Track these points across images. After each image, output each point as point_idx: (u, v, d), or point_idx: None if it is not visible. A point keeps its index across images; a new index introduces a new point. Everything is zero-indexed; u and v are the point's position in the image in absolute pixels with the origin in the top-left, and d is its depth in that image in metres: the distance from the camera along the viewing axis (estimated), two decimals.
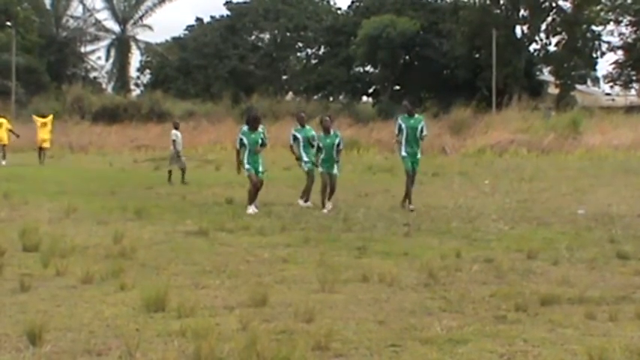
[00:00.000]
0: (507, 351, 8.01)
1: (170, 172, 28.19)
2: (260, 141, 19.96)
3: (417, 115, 21.13)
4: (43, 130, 39.16)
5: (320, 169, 20.43)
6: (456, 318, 9.32)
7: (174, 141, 28.71)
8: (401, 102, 67.53)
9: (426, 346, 8.17)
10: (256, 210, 19.46)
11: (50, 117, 41.00)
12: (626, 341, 8.33)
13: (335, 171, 20.38)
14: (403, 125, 20.62)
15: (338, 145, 20.38)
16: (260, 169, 19.96)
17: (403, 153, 20.73)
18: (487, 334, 8.60)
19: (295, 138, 21.88)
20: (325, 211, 19.65)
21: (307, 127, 22.27)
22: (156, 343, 8.18)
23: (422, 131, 20.68)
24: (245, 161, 19.87)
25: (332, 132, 20.55)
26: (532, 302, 9.95)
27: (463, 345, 8.19)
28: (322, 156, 20.29)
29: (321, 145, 20.36)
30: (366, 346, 8.14)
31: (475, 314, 9.54)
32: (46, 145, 39.43)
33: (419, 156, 20.86)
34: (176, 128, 29.16)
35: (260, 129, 20.18)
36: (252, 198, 19.70)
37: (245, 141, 19.83)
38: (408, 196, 20.52)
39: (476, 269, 12.32)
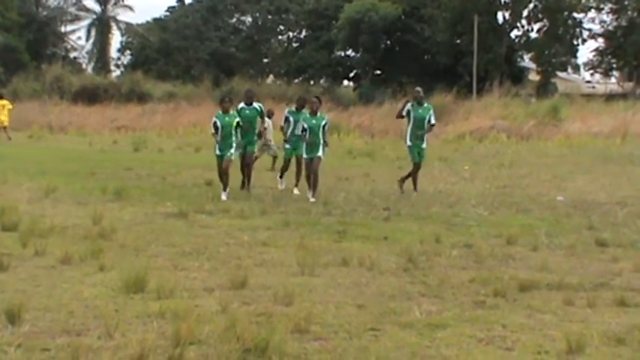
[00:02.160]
0: (486, 336, 8.06)
1: (256, 157, 27.46)
2: (235, 123, 19.21)
3: (426, 104, 20.74)
4: (3, 112, 40.58)
5: (304, 156, 19.41)
6: (435, 303, 9.36)
7: (265, 129, 28.03)
8: (381, 87, 67.50)
9: (405, 330, 8.21)
10: (225, 198, 18.73)
11: (7, 102, 42.25)
12: (603, 327, 8.39)
13: (320, 153, 19.20)
14: (412, 114, 20.28)
15: (324, 127, 19.36)
16: (232, 151, 19.28)
17: (408, 142, 20.44)
18: (466, 319, 8.64)
19: (287, 119, 21.03)
20: (308, 196, 18.92)
21: (305, 111, 20.82)
22: (135, 324, 8.19)
23: (430, 121, 20.35)
24: (216, 145, 19.35)
25: (319, 114, 19.56)
26: (511, 288, 10.01)
27: (442, 330, 8.23)
28: (307, 139, 19.23)
29: (306, 126, 19.28)
30: (345, 330, 8.16)
31: (454, 299, 9.59)
32: (6, 124, 40.83)
33: (424, 146, 20.53)
34: (269, 117, 28.55)
35: (232, 112, 19.58)
36: (223, 183, 19.08)
37: (218, 124, 19.23)
38: (415, 183, 20.47)
39: (455, 254, 12.37)
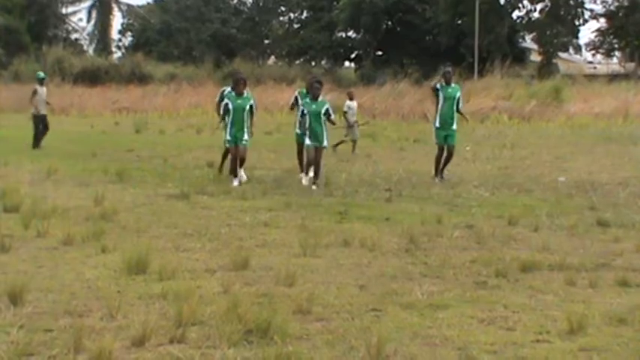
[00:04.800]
0: (487, 316, 8.07)
1: (341, 142, 26.97)
2: (248, 107, 18.09)
3: (454, 84, 19.87)
4: None
5: (307, 142, 18.03)
6: (436, 283, 9.37)
7: (345, 112, 27.61)
8: (383, 68, 67.29)
9: (407, 310, 8.22)
10: (244, 178, 18.24)
11: None
12: (605, 307, 8.40)
13: (325, 143, 18.12)
14: (441, 93, 19.37)
15: (326, 112, 18.02)
16: (245, 137, 18.09)
17: (437, 124, 19.52)
18: (467, 300, 8.66)
19: (296, 100, 19.59)
20: (305, 182, 18.20)
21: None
22: (137, 306, 8.20)
23: (458, 102, 19.44)
24: (227, 131, 18.23)
25: (320, 99, 18.27)
26: (512, 268, 10.03)
27: (443, 310, 8.24)
28: (307, 125, 18.00)
29: (305, 111, 18.09)
30: (347, 311, 8.18)
31: (456, 280, 9.60)
32: None
33: (454, 127, 19.53)
34: (351, 99, 28.19)
35: (246, 94, 18.35)
36: (233, 169, 18.16)
37: (230, 106, 18.03)
38: (437, 169, 19.50)
39: (457, 235, 12.39)
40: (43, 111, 26.76)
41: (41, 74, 28.24)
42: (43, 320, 7.69)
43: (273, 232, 12.54)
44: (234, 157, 18.07)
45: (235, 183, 17.79)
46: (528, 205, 15.43)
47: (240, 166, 18.33)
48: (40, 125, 26.57)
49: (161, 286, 8.77)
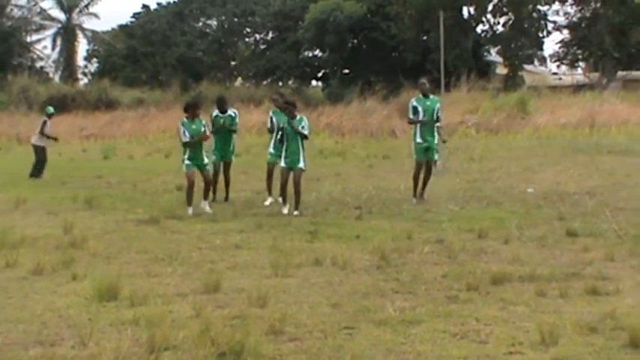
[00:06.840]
0: (460, 330, 8.10)
1: None
2: (203, 129, 17.39)
3: (432, 96, 19.11)
4: None
5: (282, 164, 17.35)
6: (408, 299, 9.40)
7: None
8: (350, 86, 67.41)
9: (380, 327, 8.24)
10: (210, 211, 17.28)
11: None
12: (576, 317, 8.45)
13: (301, 164, 17.24)
14: (419, 107, 18.61)
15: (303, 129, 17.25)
16: (205, 161, 17.54)
17: (418, 139, 18.59)
18: (440, 314, 8.69)
19: (271, 120, 19.09)
20: (285, 210, 17.14)
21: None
22: (109, 333, 8.17)
23: (438, 114, 18.68)
24: (185, 156, 17.42)
25: (298, 116, 17.36)
26: (483, 281, 10.07)
27: (416, 325, 8.27)
28: (285, 146, 17.25)
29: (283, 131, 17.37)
30: (320, 330, 8.18)
31: (427, 295, 9.63)
32: None
33: (436, 141, 18.80)
34: None
35: (201, 117, 17.60)
36: (189, 198, 17.23)
37: (187, 133, 17.34)
38: (415, 187, 18.64)
39: (427, 250, 12.42)
40: (45, 143, 26.68)
41: (51, 109, 28.18)
42: (14, 351, 7.64)
43: (244, 253, 12.54)
44: (191, 183, 17.25)
45: (189, 212, 17.00)
46: (498, 218, 15.51)
47: (206, 194, 17.72)
48: (42, 156, 26.42)
49: (133, 312, 8.74)
